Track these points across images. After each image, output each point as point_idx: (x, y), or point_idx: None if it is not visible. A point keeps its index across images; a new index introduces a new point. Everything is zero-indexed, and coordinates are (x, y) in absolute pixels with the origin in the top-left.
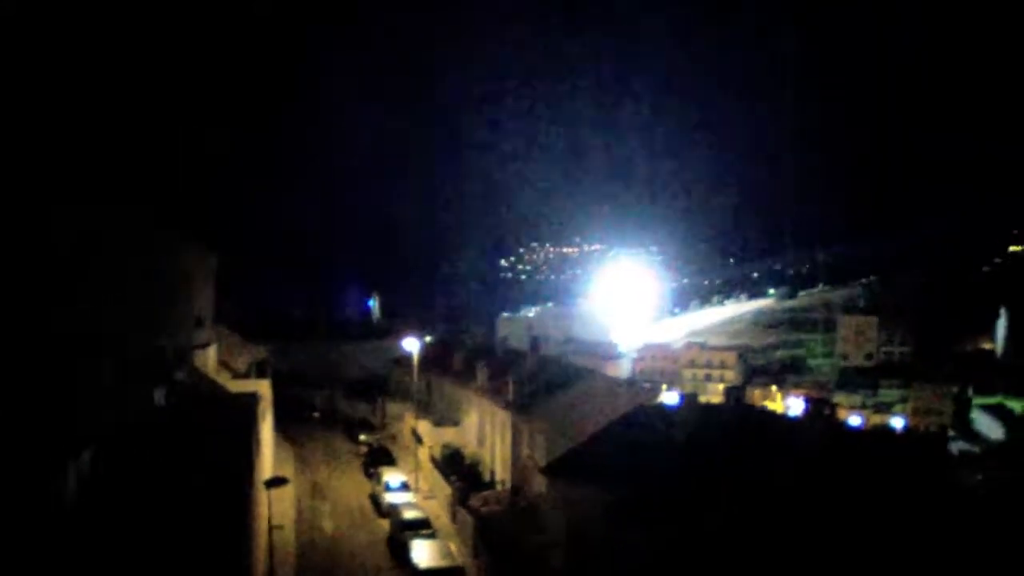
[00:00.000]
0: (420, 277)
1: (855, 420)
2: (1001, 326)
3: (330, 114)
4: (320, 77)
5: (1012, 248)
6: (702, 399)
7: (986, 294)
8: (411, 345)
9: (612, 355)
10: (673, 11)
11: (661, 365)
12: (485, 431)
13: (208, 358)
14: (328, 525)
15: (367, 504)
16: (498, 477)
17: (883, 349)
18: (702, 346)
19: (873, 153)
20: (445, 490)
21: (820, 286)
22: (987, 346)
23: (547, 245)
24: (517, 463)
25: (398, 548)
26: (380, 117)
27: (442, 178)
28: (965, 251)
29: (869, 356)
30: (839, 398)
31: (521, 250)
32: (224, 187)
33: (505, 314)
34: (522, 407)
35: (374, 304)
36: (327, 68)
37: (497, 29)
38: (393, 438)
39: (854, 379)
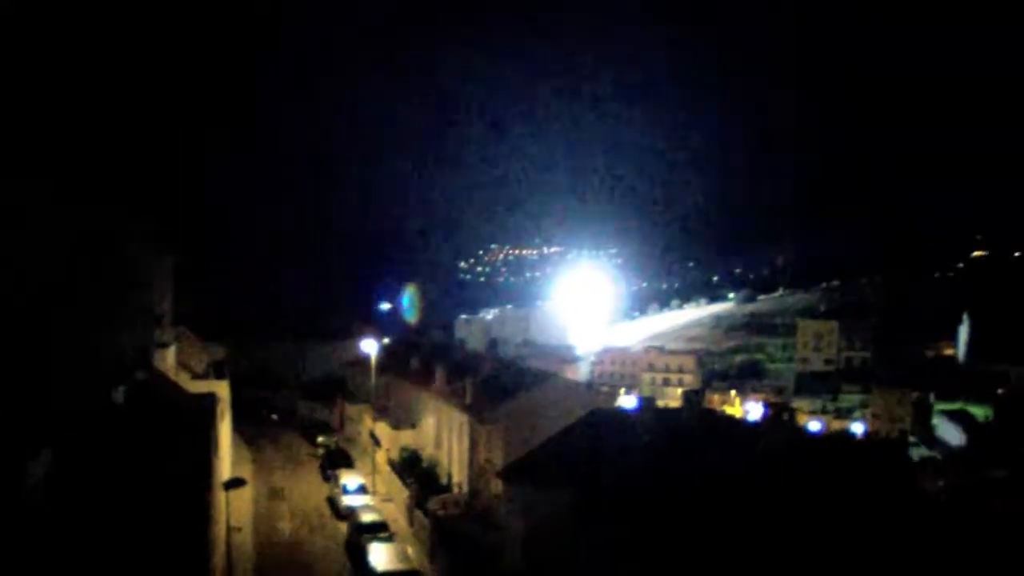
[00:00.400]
0: (381, 277)
1: (815, 425)
2: (963, 332)
3: (302, 120)
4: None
5: (975, 253)
6: (660, 403)
7: (948, 299)
8: (369, 347)
9: (570, 358)
10: (635, 21)
11: (619, 369)
12: (443, 434)
13: (167, 358)
14: (286, 527)
15: (325, 506)
16: (456, 480)
17: (844, 354)
18: (660, 350)
19: (836, 157)
20: (403, 493)
21: (780, 290)
22: (949, 352)
23: (506, 247)
24: (475, 466)
25: (356, 551)
26: (350, 123)
27: (400, 179)
28: (927, 256)
29: (829, 361)
30: (799, 403)
31: (480, 252)
32: (209, 187)
33: (463, 316)
34: (480, 410)
35: (410, 299)
36: (294, 84)
37: (455, 34)
38: (351, 440)
39: (813, 384)
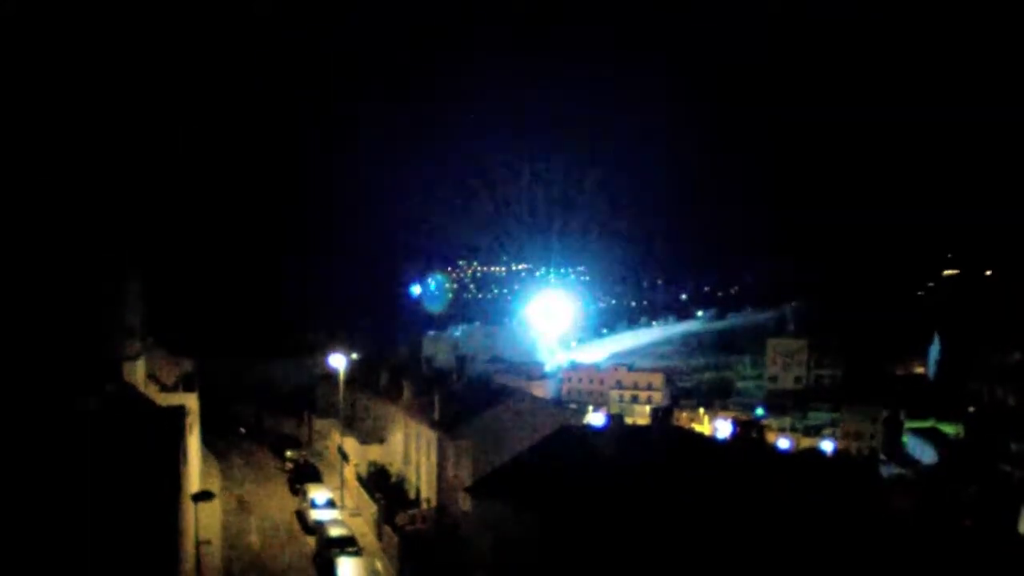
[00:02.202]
0: (347, 294)
1: (784, 443)
2: (933, 350)
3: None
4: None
5: (946, 272)
6: (629, 420)
7: (919, 318)
8: (337, 362)
9: (538, 375)
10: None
11: (588, 386)
12: (411, 449)
13: (137, 370)
14: (255, 541)
15: (293, 521)
16: (424, 495)
17: (814, 372)
18: (629, 367)
19: (807, 174)
20: (371, 508)
21: (749, 308)
22: (919, 370)
23: (474, 264)
24: (443, 482)
25: (324, 565)
26: (329, 145)
27: (362, 194)
28: (898, 274)
29: (799, 379)
30: (768, 421)
31: (448, 268)
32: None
33: (431, 332)
34: (448, 426)
35: (438, 285)
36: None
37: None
38: (319, 455)
39: (782, 402)
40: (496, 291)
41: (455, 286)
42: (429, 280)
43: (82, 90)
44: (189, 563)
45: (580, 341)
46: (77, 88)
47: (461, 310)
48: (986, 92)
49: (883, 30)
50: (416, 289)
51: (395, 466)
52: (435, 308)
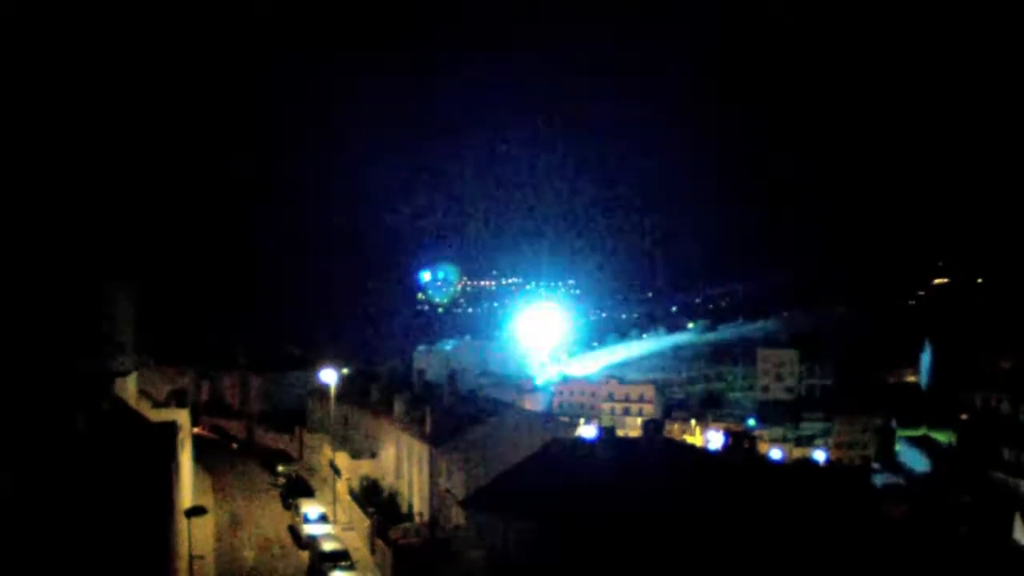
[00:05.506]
0: (338, 308)
1: (776, 453)
2: (925, 358)
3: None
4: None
5: (937, 280)
6: (620, 433)
7: (910, 326)
8: (328, 377)
9: (530, 388)
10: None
11: (579, 399)
12: (403, 463)
13: (129, 386)
14: (248, 555)
15: (286, 535)
16: (416, 509)
17: (805, 382)
18: (620, 380)
19: (794, 184)
20: (363, 522)
21: (740, 319)
22: (911, 378)
23: (464, 278)
24: (435, 495)
25: None
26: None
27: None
28: (889, 283)
29: (790, 389)
30: (760, 431)
31: (438, 283)
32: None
33: (422, 347)
34: (440, 440)
35: (447, 275)
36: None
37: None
38: (311, 469)
39: (774, 412)
40: (486, 305)
41: (446, 300)
42: (438, 270)
43: (77, 99)
44: None
45: (571, 354)
46: (73, 97)
47: (452, 324)
48: (982, 93)
49: (872, 31)
50: (426, 276)
51: (387, 480)
52: (442, 298)
